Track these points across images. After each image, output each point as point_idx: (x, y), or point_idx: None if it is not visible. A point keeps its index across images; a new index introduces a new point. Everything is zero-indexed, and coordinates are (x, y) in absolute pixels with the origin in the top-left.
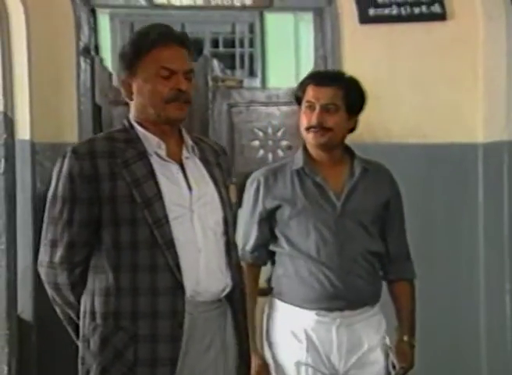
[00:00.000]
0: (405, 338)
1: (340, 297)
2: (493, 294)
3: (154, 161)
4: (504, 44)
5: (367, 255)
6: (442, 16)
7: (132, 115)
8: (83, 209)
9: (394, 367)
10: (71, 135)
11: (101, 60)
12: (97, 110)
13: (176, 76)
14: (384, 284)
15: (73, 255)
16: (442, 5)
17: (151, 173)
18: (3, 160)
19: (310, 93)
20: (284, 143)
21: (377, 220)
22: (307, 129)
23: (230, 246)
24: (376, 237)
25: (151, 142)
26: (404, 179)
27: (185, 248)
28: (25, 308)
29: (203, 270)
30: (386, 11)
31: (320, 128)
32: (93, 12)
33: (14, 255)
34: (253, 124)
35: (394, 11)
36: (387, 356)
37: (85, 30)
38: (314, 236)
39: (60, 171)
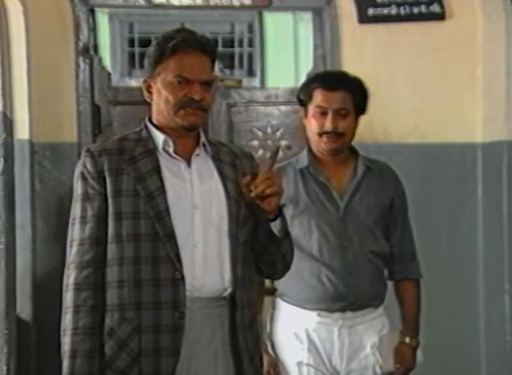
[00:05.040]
0: (407, 340)
1: (341, 298)
2: (492, 295)
3: (162, 158)
4: (503, 44)
5: (370, 255)
6: (441, 16)
7: (152, 116)
8: (94, 205)
9: (381, 367)
10: (70, 135)
11: (100, 60)
12: (96, 110)
13: (192, 84)
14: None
15: (84, 253)
16: (441, 5)
17: (157, 169)
18: (2, 160)
19: (319, 97)
20: (283, 143)
21: (381, 220)
22: (320, 134)
23: (233, 241)
24: (380, 237)
25: (160, 140)
26: (404, 179)
27: (182, 242)
28: (24, 308)
29: (199, 266)
30: (385, 11)
31: (334, 134)
32: (92, 12)
33: (13, 255)
34: (252, 124)
35: (393, 11)
36: (373, 355)
37: (84, 29)
38: (317, 236)
39: (77, 171)
